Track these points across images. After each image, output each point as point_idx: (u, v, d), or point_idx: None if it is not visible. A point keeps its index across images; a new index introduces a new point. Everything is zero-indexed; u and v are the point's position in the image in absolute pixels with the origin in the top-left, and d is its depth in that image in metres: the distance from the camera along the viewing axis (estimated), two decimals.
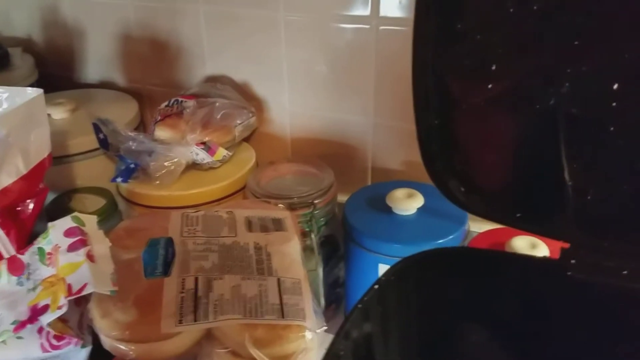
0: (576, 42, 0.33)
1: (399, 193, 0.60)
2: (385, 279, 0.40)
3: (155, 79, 0.87)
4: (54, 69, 0.95)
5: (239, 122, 0.71)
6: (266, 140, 0.80)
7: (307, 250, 0.59)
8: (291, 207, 0.59)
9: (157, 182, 0.64)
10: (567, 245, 0.38)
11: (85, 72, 0.94)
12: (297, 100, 0.76)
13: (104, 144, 0.68)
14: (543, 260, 0.45)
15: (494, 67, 0.36)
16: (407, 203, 0.60)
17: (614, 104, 0.33)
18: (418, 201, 0.60)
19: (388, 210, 0.60)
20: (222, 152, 0.67)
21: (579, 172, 0.36)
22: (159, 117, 0.69)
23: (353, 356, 0.36)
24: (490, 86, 0.36)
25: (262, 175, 0.66)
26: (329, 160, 0.67)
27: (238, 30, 0.76)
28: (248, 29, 0.75)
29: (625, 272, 0.35)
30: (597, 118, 0.34)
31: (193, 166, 0.69)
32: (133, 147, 0.65)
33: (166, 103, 0.71)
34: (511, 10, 0.35)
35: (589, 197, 0.36)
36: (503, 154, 0.39)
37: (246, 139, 0.77)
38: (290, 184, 0.64)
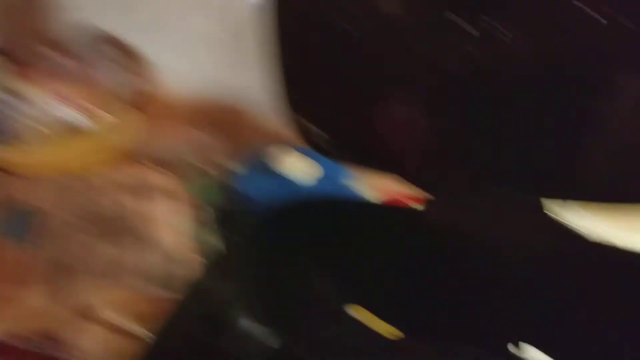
0: None
1: (293, 158, 0.60)
2: (232, 237, 0.39)
3: (24, 32, 0.79)
4: None
5: (122, 84, 0.66)
6: (156, 105, 0.75)
7: (198, 219, 0.57)
8: (179, 174, 0.56)
9: (27, 147, 0.58)
10: (419, 187, 0.39)
11: None
12: (189, 64, 0.72)
13: None
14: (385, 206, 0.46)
15: None
16: (301, 168, 0.59)
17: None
18: (311, 166, 0.59)
19: (282, 176, 0.59)
20: (103, 116, 0.62)
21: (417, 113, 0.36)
22: (27, 75, 0.62)
23: (198, 310, 0.35)
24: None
25: (150, 141, 0.62)
26: (222, 127, 0.65)
27: None
28: None
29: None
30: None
31: (73, 131, 0.63)
32: None
33: (38, 60, 0.64)
34: None
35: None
36: (348, 100, 0.39)
37: (135, 105, 0.72)
38: (179, 151, 0.61)
